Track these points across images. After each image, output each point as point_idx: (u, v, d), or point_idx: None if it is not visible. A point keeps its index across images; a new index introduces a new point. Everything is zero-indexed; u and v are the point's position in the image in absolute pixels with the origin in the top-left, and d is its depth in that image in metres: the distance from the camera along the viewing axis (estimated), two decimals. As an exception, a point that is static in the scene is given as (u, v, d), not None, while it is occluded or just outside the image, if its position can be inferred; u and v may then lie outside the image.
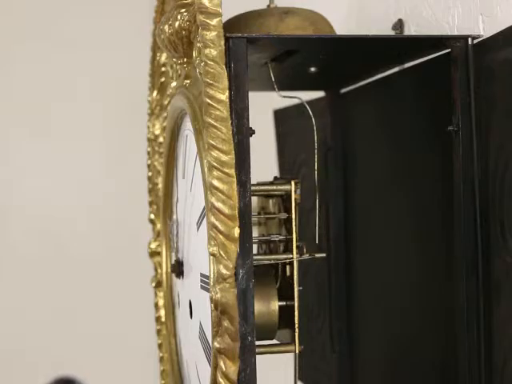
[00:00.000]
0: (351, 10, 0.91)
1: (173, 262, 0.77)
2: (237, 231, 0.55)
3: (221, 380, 0.56)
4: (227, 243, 0.55)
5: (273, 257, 0.68)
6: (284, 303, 0.68)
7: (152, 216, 0.87)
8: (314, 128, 0.70)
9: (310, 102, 0.80)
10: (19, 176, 1.90)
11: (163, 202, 0.81)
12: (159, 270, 0.85)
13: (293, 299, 0.66)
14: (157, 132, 0.86)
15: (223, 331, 0.55)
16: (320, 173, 0.86)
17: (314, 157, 0.70)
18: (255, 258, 0.65)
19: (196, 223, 0.67)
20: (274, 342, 0.71)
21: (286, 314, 0.68)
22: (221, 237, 0.55)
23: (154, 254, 0.85)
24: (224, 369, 0.56)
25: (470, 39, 0.64)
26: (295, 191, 0.67)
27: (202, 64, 0.55)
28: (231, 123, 0.55)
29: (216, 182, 0.55)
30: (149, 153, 0.87)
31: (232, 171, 0.55)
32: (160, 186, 0.84)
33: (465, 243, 0.63)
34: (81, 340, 1.89)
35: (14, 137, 1.90)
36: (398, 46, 0.68)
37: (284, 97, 0.71)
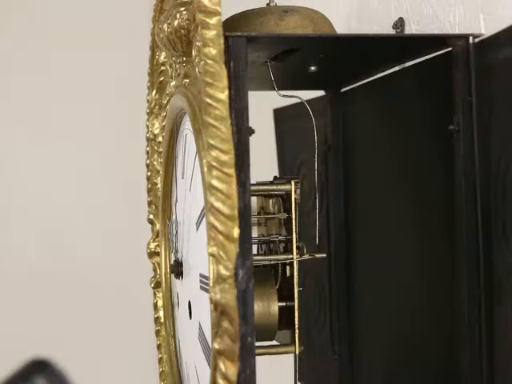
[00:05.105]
0: (352, 9, 0.91)
1: (172, 262, 0.76)
2: (236, 231, 0.54)
3: (220, 381, 0.56)
4: (227, 243, 0.54)
5: (273, 257, 0.67)
6: (284, 304, 0.68)
7: (151, 216, 0.86)
8: (314, 127, 0.69)
9: (310, 101, 0.80)
10: (19, 176, 1.90)
11: (162, 202, 0.81)
12: (158, 271, 0.84)
13: (293, 300, 0.66)
14: (156, 131, 0.85)
15: (223, 332, 0.55)
16: (320, 173, 0.86)
17: (314, 156, 0.70)
18: (255, 258, 0.64)
19: (195, 223, 0.67)
20: (274, 342, 0.71)
21: (285, 314, 0.68)
22: (220, 237, 0.54)
23: (153, 254, 0.85)
24: (223, 370, 0.55)
25: (471, 38, 0.63)
26: (295, 191, 0.67)
27: (202, 63, 0.55)
28: (231, 123, 0.55)
29: (215, 182, 0.54)
30: (148, 152, 0.87)
31: (231, 171, 0.55)
32: (159, 185, 0.83)
33: (466, 243, 0.63)
34: (80, 340, 1.89)
35: (14, 137, 1.90)
36: (399, 44, 0.68)
37: (284, 96, 0.71)
